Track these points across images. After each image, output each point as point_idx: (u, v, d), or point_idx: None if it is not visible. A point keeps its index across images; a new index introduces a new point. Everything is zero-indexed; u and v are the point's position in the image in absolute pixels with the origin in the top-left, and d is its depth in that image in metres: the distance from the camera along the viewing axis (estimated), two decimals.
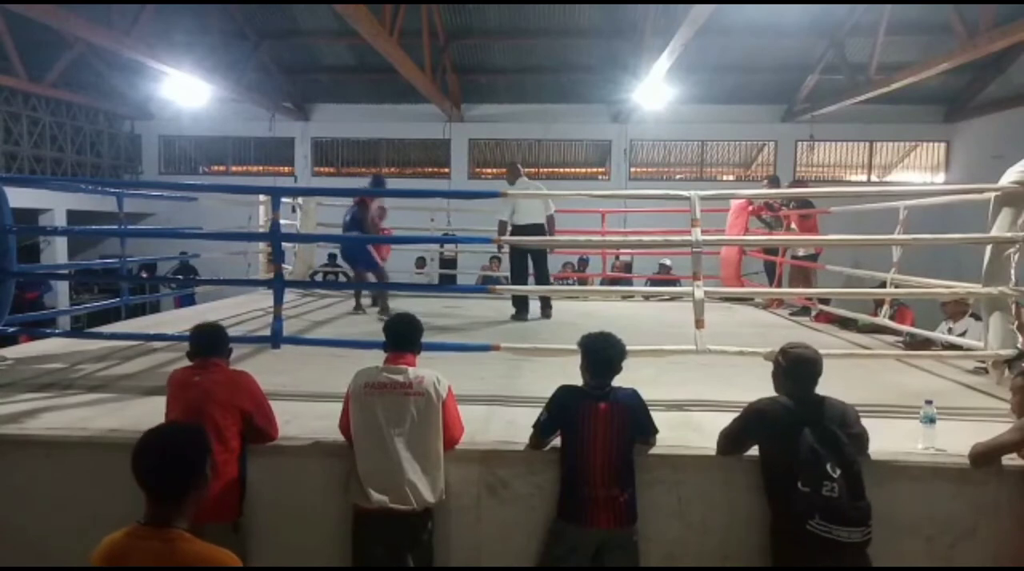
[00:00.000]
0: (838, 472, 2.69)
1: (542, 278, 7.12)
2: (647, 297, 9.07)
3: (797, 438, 2.75)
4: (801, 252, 7.79)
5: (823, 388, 2.96)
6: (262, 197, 8.97)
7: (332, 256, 11.72)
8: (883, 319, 5.69)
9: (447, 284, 11.52)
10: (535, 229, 6.68)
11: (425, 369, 3.14)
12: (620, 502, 2.92)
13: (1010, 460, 3.05)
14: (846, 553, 2.69)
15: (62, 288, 12.32)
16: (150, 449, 1.93)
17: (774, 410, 2.91)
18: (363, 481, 2.96)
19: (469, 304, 7.90)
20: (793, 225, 7.87)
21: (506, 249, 7.36)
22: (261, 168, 15.27)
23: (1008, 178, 4.22)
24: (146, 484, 1.88)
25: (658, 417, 3.18)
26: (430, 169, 15.13)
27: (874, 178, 14.65)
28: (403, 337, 3.24)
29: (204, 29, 11.82)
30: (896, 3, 10.39)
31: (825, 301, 7.26)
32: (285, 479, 3.25)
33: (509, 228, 6.70)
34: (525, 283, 6.90)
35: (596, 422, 2.96)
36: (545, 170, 14.81)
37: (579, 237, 7.17)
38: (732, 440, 3.06)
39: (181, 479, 1.89)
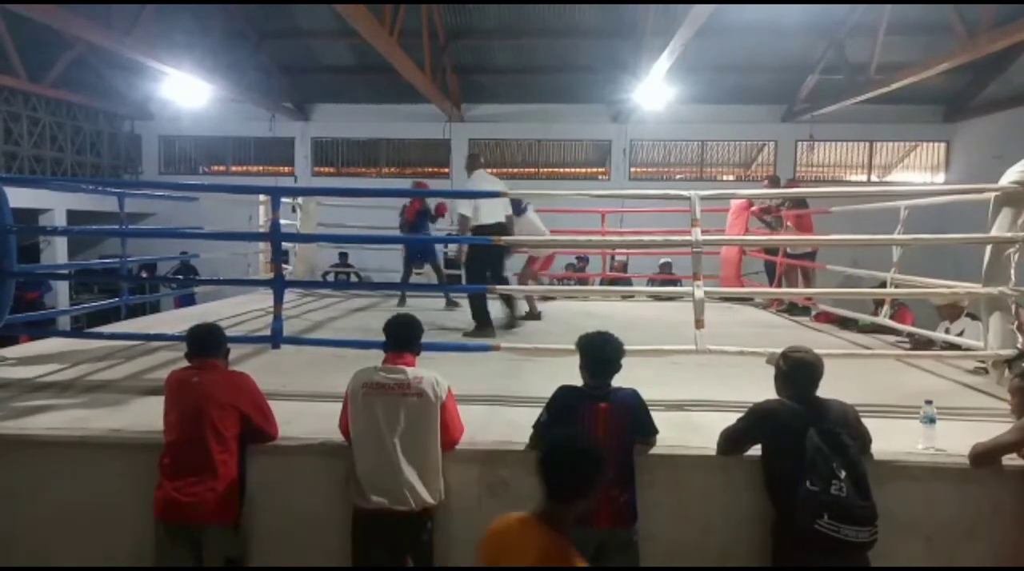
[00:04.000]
0: (843, 473, 2.69)
1: (498, 284, 6.22)
2: (653, 297, 9.06)
3: (803, 439, 2.76)
4: (793, 249, 7.82)
5: (823, 388, 2.96)
6: (262, 197, 8.97)
7: (344, 255, 11.74)
8: (883, 319, 5.69)
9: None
10: (498, 229, 6.11)
11: (425, 370, 3.14)
12: (620, 502, 2.92)
13: (1010, 460, 3.05)
14: (850, 553, 2.69)
15: (62, 288, 12.30)
16: (557, 453, 2.19)
17: (780, 411, 2.91)
18: (362, 482, 2.96)
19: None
20: (789, 223, 7.89)
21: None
22: (261, 168, 15.27)
23: (1008, 178, 4.22)
24: (544, 481, 2.15)
25: (658, 417, 3.18)
26: (430, 169, 15.12)
27: (874, 178, 14.64)
28: (403, 338, 3.25)
29: (204, 29, 11.81)
30: (896, 3, 10.40)
31: (809, 299, 7.30)
32: (285, 479, 3.26)
33: (471, 227, 6.13)
34: (485, 291, 6.02)
35: (596, 422, 2.96)
36: (545, 170, 14.82)
37: (579, 237, 7.15)
38: (734, 440, 3.06)
39: (571, 486, 2.12)
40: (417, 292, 8.53)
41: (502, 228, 6.19)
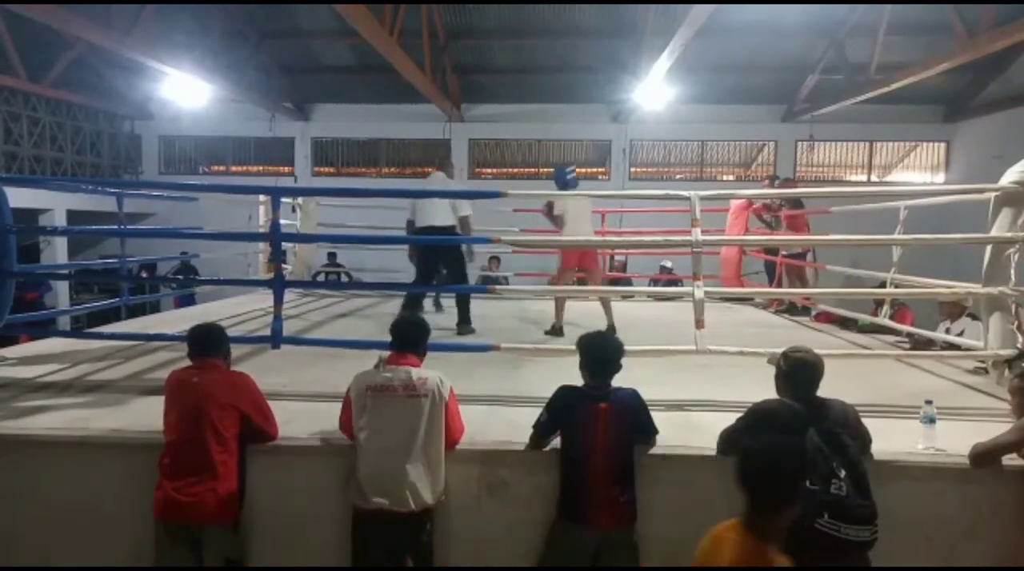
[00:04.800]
0: (843, 472, 2.69)
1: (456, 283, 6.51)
2: (653, 297, 9.05)
3: (803, 439, 2.75)
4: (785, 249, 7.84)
5: (824, 388, 2.96)
6: (262, 197, 8.96)
7: (332, 255, 11.72)
8: (883, 319, 5.70)
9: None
10: (435, 233, 6.14)
11: (428, 371, 3.14)
12: (620, 502, 2.92)
13: (1010, 460, 3.05)
14: (851, 553, 2.69)
15: (62, 288, 12.30)
16: (751, 456, 2.07)
17: (780, 411, 2.91)
18: (362, 483, 2.96)
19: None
20: (783, 224, 7.91)
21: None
22: (261, 168, 15.26)
23: (1008, 178, 4.22)
24: (743, 488, 2.05)
25: (658, 417, 3.19)
26: (430, 169, 15.03)
27: (874, 178, 14.64)
28: (410, 339, 3.25)
29: (204, 29, 11.81)
30: (896, 3, 10.39)
31: (807, 299, 7.29)
32: (285, 479, 3.26)
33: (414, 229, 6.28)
34: (424, 292, 6.24)
35: (596, 422, 2.96)
36: (545, 170, 14.79)
37: (579, 237, 7.11)
38: (734, 440, 3.05)
39: (773, 491, 2.01)
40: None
41: (443, 232, 6.13)
